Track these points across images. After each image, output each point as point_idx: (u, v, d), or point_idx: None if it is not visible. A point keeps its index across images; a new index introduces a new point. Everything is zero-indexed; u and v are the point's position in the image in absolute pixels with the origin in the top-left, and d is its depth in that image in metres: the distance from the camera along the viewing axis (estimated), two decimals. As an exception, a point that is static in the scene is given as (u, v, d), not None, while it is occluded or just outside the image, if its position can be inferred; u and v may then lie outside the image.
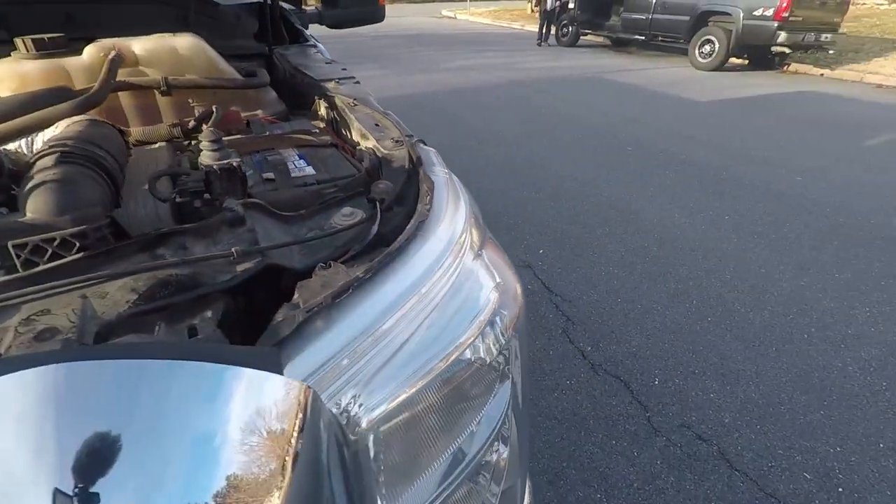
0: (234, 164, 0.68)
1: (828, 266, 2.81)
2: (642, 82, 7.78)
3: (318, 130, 1.06)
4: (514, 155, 4.40)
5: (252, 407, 0.29)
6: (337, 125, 1.11)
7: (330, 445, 0.36)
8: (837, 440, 1.78)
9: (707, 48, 8.78)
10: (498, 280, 0.58)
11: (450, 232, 0.59)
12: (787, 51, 8.68)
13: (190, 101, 1.15)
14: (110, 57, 1.01)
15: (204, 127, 1.02)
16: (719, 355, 2.16)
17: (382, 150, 0.85)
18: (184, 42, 1.12)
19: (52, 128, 0.80)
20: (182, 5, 1.33)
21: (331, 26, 1.90)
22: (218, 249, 0.53)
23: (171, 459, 0.25)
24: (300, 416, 0.32)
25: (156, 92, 1.10)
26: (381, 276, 0.48)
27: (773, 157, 4.47)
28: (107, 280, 0.46)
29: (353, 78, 1.29)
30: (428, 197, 0.64)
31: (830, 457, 1.72)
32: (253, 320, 0.48)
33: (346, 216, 0.61)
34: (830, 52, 9.08)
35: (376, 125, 0.95)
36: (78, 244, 0.55)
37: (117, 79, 1.05)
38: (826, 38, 8.50)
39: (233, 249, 0.49)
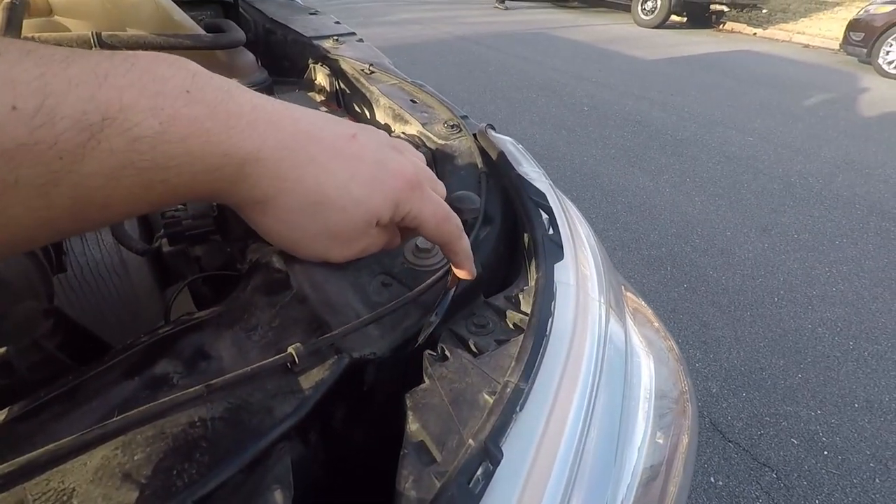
0: None
1: (787, 227, 2.89)
2: (589, 39, 7.67)
3: (325, 109, 0.80)
4: (469, 117, 4.19)
5: None
6: (345, 100, 0.86)
7: None
8: (816, 403, 1.82)
9: (649, 5, 8.77)
10: (646, 344, 0.42)
11: (590, 277, 0.42)
12: (725, 9, 8.84)
13: None
14: (5, 2, 0.71)
15: None
16: (700, 323, 2.16)
17: (434, 137, 0.63)
18: (122, -20, 0.81)
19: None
20: None
21: None
22: (257, 349, 0.32)
23: None
24: None
25: (86, 56, 0.81)
26: (538, 369, 0.31)
27: (722, 118, 4.54)
28: (63, 460, 0.24)
29: (354, 34, 1.02)
30: (545, 218, 0.46)
31: (812, 420, 1.76)
32: (334, 463, 0.30)
33: (426, 252, 0.42)
34: (763, 10, 9.36)
35: (413, 102, 0.71)
36: None
37: (22, 36, 0.75)
38: (760, -4, 8.73)
39: (290, 349, 0.30)
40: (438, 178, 0.43)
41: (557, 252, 0.42)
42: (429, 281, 0.37)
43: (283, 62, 1.01)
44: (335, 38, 0.96)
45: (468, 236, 0.43)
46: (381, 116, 0.74)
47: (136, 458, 0.24)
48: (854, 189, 3.37)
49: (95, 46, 0.76)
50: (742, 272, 2.49)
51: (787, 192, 3.28)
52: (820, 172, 3.58)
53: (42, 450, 0.24)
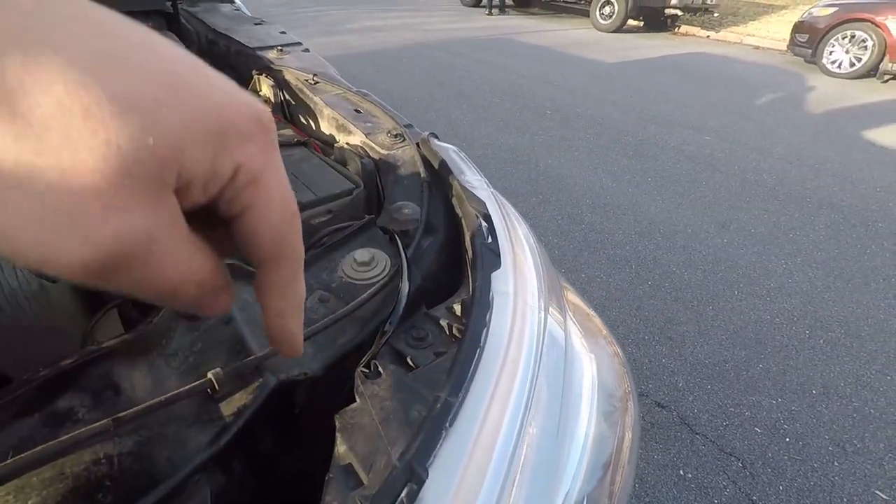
0: None
1: (744, 223, 2.98)
2: (551, 43, 7.80)
3: None
4: (434, 122, 4.20)
5: None
6: (290, 111, 0.83)
7: None
8: (777, 391, 1.88)
9: (607, 10, 8.99)
10: (587, 343, 0.42)
11: (528, 283, 0.41)
12: (679, 13, 9.14)
13: None
14: None
15: None
16: (664, 319, 2.20)
17: (377, 147, 0.62)
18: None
19: None
20: None
21: None
22: (176, 376, 0.30)
23: None
24: None
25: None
26: (471, 384, 0.29)
27: (681, 118, 4.68)
28: None
29: (300, 44, 0.99)
30: (484, 227, 0.45)
31: (774, 408, 1.81)
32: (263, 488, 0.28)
33: (365, 265, 0.40)
34: (715, 14, 9.72)
35: (357, 111, 0.69)
36: None
37: None
38: (711, 1, 9.05)
39: (210, 375, 0.28)
40: (382, 187, 0.41)
41: (495, 261, 0.41)
42: (364, 295, 0.36)
43: (227, 73, 0.99)
44: (279, 48, 0.95)
45: (409, 247, 0.43)
46: (325, 127, 0.73)
47: (29, 503, 0.22)
48: (805, 183, 3.51)
49: None
50: (703, 267, 2.56)
51: (743, 189, 3.39)
52: (773, 168, 3.72)
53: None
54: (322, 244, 0.50)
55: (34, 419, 0.27)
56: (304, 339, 0.35)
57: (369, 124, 0.67)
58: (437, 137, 0.65)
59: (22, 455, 0.23)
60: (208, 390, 0.28)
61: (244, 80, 0.91)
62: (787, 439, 1.70)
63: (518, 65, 6.33)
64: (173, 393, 0.28)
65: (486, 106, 4.72)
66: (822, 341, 2.12)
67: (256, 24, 1.09)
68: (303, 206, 0.57)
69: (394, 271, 0.41)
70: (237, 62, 0.96)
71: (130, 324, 0.51)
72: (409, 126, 0.69)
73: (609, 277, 2.46)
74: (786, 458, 1.64)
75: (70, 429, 0.26)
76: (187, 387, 0.28)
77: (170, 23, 1.02)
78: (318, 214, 0.57)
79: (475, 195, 0.49)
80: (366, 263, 0.41)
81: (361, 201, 0.59)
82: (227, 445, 0.26)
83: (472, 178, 0.55)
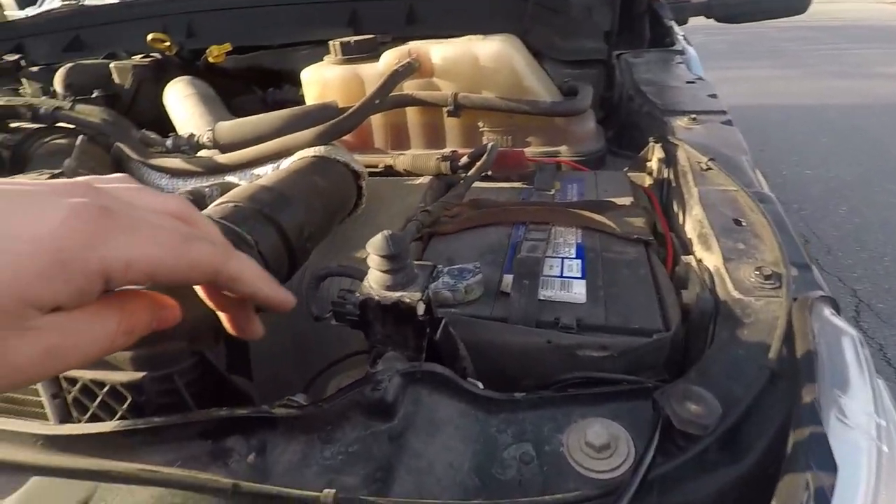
0: (411, 301, 0.37)
1: None
2: None
3: (630, 201, 0.67)
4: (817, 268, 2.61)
5: None
6: (669, 194, 0.72)
7: None
8: None
9: None
10: None
11: None
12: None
13: (480, 125, 0.96)
14: (394, 69, 0.88)
15: (475, 167, 0.76)
16: None
17: (729, 284, 0.44)
18: (488, 48, 0.90)
19: (289, 158, 0.71)
20: None
21: (721, 20, 1.45)
22: (320, 467, 0.32)
23: None
24: None
25: (444, 111, 0.94)
26: None
27: None
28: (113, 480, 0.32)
29: (724, 113, 0.85)
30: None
31: None
32: None
33: (594, 449, 0.31)
34: None
35: (737, 222, 0.52)
36: (130, 398, 0.39)
37: (407, 91, 0.95)
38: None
39: (323, 492, 0.29)
40: (710, 341, 0.36)
41: None
42: (572, 495, 0.28)
43: (633, 132, 0.96)
44: (692, 116, 0.83)
45: (676, 457, 0.30)
46: (688, 228, 0.59)
47: None
48: None
49: (451, 105, 0.91)
50: None
51: None
52: None
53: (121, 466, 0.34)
54: (562, 388, 0.41)
55: (207, 444, 0.34)
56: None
57: (741, 246, 0.48)
58: (835, 305, 0.40)
59: (167, 471, 0.32)
60: None
61: (642, 145, 0.85)
62: None
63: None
64: (286, 489, 0.30)
65: None
66: None
67: (689, 83, 1.02)
68: (581, 327, 0.45)
69: (637, 476, 0.28)
70: (645, 123, 0.93)
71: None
72: (806, 267, 0.48)
73: None
74: None
75: (221, 466, 0.32)
76: (299, 492, 0.30)
77: (604, 70, 1.06)
78: (589, 346, 0.43)
79: (825, 445, 0.28)
80: (597, 448, 0.31)
81: (663, 353, 0.44)
82: None
83: (853, 405, 0.32)
